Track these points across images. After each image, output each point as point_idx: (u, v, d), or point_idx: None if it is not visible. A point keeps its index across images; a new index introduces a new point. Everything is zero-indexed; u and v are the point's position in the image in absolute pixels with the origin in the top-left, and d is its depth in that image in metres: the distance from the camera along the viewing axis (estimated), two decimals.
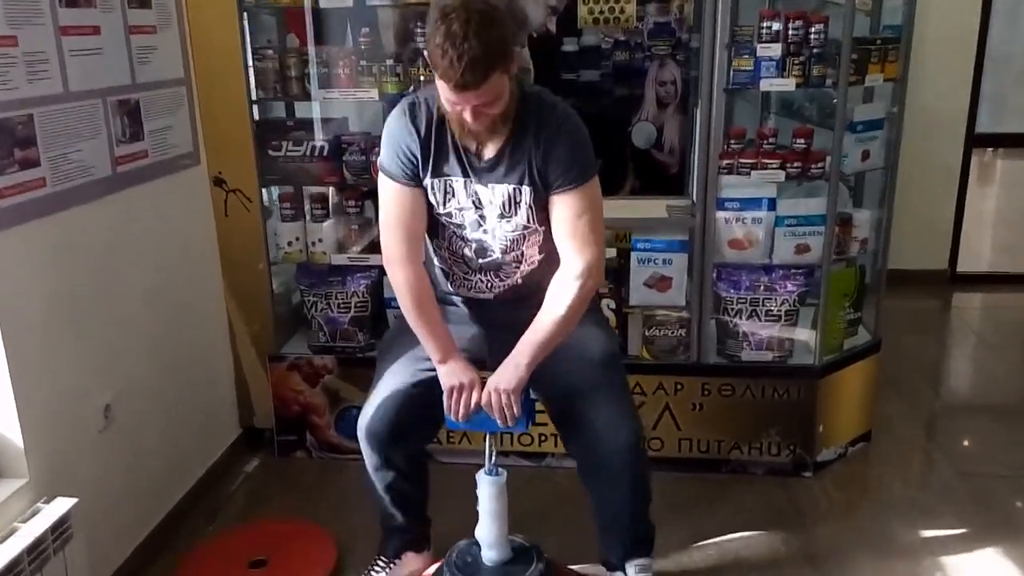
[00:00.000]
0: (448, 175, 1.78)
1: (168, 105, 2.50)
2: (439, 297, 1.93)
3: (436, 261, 1.94)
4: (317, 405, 2.88)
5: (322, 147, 2.75)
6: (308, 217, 2.82)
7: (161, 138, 2.47)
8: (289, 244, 2.82)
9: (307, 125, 2.78)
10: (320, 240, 2.80)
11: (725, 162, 2.51)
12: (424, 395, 1.88)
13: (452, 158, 1.76)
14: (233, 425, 2.97)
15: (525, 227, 1.80)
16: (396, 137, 1.78)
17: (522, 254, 1.84)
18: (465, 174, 1.77)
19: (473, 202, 1.79)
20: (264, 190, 2.84)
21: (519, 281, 1.88)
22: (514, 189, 1.75)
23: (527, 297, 1.84)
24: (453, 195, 1.79)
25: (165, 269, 2.50)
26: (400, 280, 1.83)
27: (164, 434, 2.50)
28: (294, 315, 3.00)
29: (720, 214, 2.55)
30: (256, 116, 2.76)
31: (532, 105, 1.72)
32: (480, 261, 1.86)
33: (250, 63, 2.69)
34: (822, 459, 2.74)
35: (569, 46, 3.04)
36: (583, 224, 1.73)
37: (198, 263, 2.73)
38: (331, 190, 2.85)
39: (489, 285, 1.89)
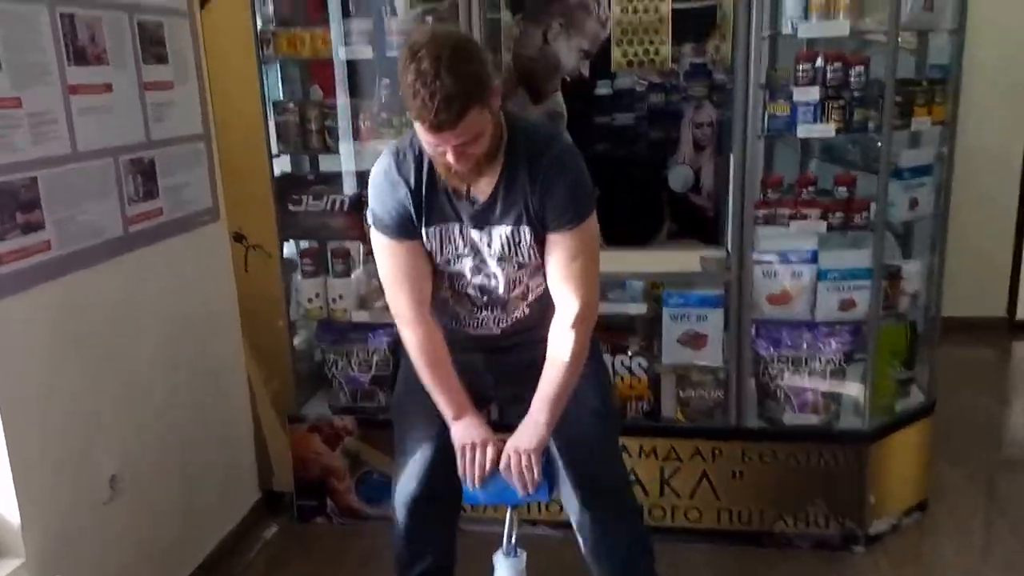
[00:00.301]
0: (443, 222, 1.68)
1: (185, 161, 2.45)
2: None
3: (438, 301, 1.83)
4: (337, 468, 2.77)
5: (343, 201, 2.68)
6: (329, 273, 2.74)
7: (177, 195, 2.41)
8: (310, 300, 2.74)
9: (328, 179, 2.71)
10: (341, 296, 2.72)
11: (762, 212, 2.37)
12: (452, 453, 1.78)
13: (445, 204, 1.66)
14: (252, 488, 2.87)
15: (527, 265, 1.72)
16: (383, 191, 1.67)
17: (527, 287, 1.77)
18: (459, 219, 1.67)
19: (471, 247, 1.70)
20: (285, 244, 2.77)
21: (525, 312, 1.80)
22: (512, 231, 1.66)
23: (533, 328, 1.78)
24: (451, 242, 1.70)
25: (181, 328, 2.43)
26: (411, 341, 1.76)
27: (177, 501, 2.41)
28: (315, 374, 2.90)
29: (757, 267, 2.40)
30: (277, 170, 2.70)
31: (522, 138, 1.62)
32: (485, 299, 1.78)
33: (271, 116, 2.64)
34: (874, 532, 2.54)
35: (603, 89, 2.94)
36: (577, 267, 1.65)
37: (217, 321, 2.66)
38: (357, 245, 2.77)
39: (496, 320, 1.80)
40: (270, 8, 2.66)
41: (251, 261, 2.74)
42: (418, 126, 1.47)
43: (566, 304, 1.68)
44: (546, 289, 1.75)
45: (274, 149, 2.66)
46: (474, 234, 1.68)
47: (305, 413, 2.79)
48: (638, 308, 2.54)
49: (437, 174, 1.64)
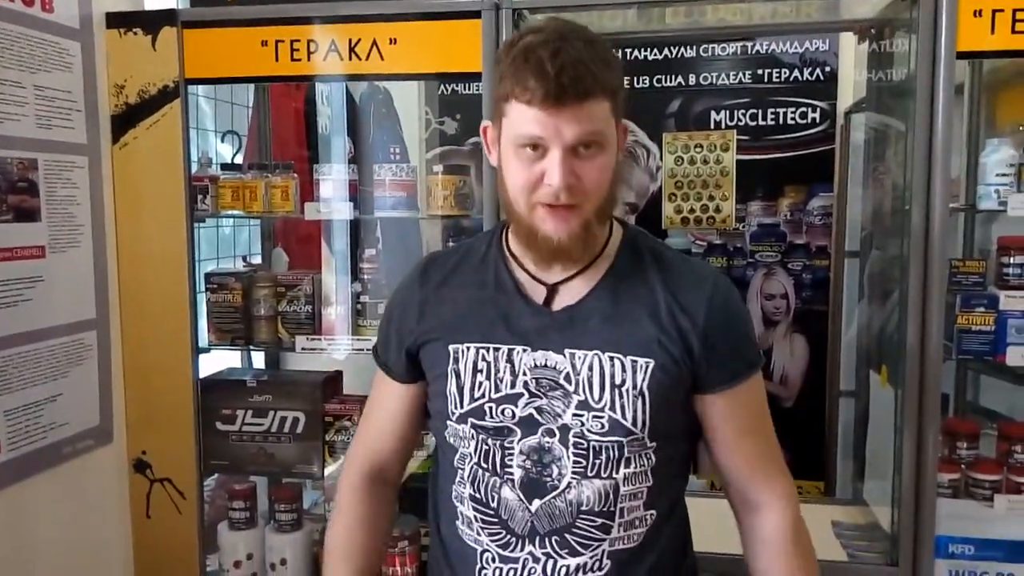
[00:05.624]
0: (478, 341, 1.05)
1: (57, 363, 1.62)
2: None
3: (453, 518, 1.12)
4: None
5: (297, 418, 1.83)
6: (271, 523, 1.86)
7: (36, 416, 1.57)
8: (237, 565, 1.84)
9: (278, 386, 1.87)
10: (283, 561, 1.82)
11: (948, 477, 1.51)
12: None
13: (503, 306, 1.08)
14: None
15: (628, 435, 1.01)
16: (396, 303, 1.16)
17: (614, 504, 1.02)
18: (520, 336, 1.04)
19: (526, 384, 1.03)
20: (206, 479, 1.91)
21: (607, 565, 1.03)
22: (614, 360, 1.02)
23: None
24: (488, 373, 1.04)
25: None
26: (338, 503, 1.19)
27: None
28: None
29: (942, 563, 1.52)
30: (203, 372, 1.87)
31: (643, 242, 1.11)
32: (531, 507, 1.03)
33: (200, 295, 1.84)
34: None
35: None
36: (764, 443, 1.09)
37: None
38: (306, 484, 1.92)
39: (554, 567, 1.02)
40: (213, 145, 1.92)
41: (155, 502, 1.86)
42: (518, 115, 0.97)
43: (769, 507, 1.09)
44: (652, 527, 1.04)
45: (202, 341, 1.84)
46: (537, 357, 1.04)
47: None
48: None
49: (491, 260, 1.10)
